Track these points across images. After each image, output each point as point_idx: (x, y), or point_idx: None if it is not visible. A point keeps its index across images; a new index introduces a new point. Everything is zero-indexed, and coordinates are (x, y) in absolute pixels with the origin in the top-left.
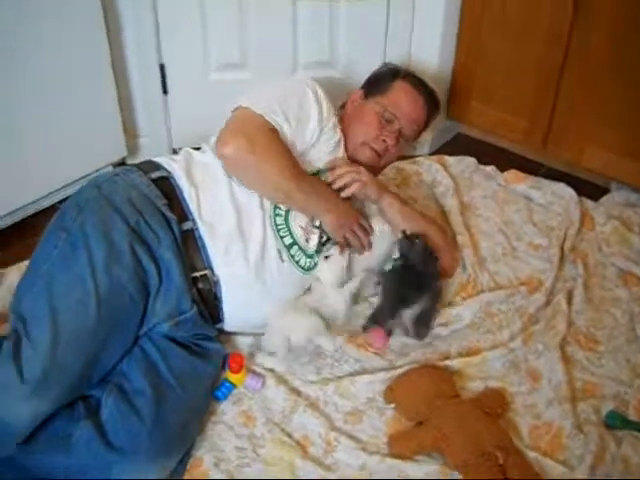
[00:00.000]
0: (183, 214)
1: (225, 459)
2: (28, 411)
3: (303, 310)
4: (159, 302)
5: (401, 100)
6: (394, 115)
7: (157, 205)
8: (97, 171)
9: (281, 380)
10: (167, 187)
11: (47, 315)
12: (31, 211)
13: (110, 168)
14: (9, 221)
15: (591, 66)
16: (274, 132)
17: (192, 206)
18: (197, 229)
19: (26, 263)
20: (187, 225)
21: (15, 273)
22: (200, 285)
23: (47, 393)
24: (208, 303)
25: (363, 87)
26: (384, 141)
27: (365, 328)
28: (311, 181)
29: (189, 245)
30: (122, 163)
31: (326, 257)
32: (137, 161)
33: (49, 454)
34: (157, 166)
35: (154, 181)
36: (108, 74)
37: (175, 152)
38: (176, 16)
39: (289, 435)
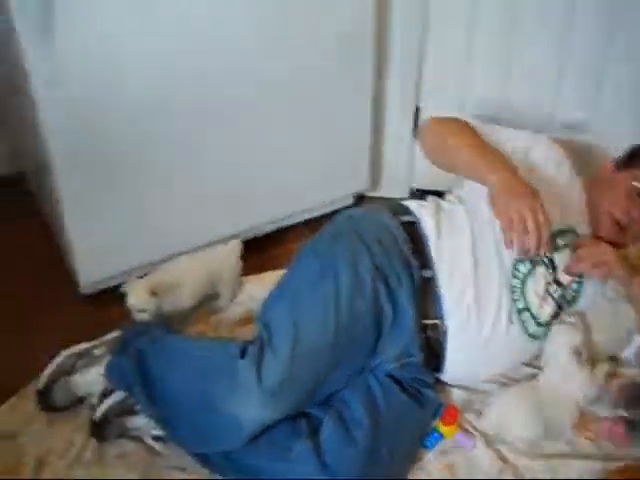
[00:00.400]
0: (425, 261)
1: None
2: (261, 415)
3: (528, 403)
4: (389, 342)
5: None
6: None
7: (403, 249)
8: (336, 200)
9: (491, 444)
10: (414, 232)
11: (290, 329)
12: (272, 227)
13: (350, 198)
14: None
15: None
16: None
17: (435, 255)
18: (436, 278)
19: (266, 274)
20: (427, 273)
21: (254, 282)
22: (429, 333)
23: (279, 403)
24: (433, 351)
25: (617, 160)
26: (629, 213)
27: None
28: (490, 149)
29: (426, 292)
30: (361, 195)
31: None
32: (376, 195)
33: (268, 460)
34: (406, 210)
35: (403, 224)
36: (366, 107)
37: (413, 193)
38: (441, 66)
39: None
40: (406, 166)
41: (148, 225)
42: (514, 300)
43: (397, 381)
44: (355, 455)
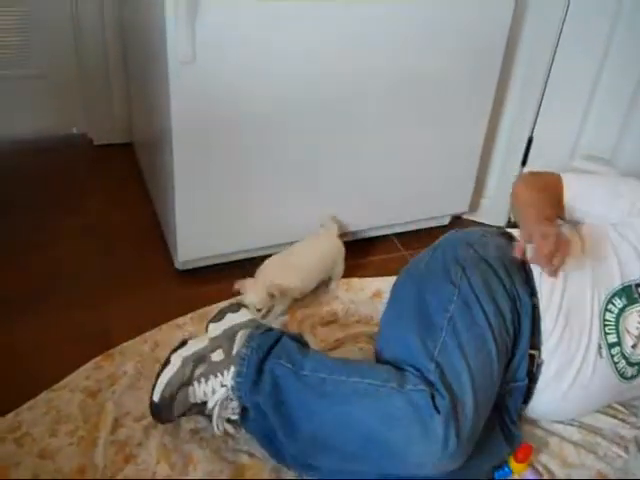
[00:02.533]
0: (531, 289)
1: None
2: (446, 468)
3: None
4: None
5: None
6: None
7: (522, 274)
8: (433, 218)
9: None
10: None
11: (467, 374)
12: (364, 235)
13: (447, 219)
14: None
15: None
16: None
17: (537, 285)
18: (539, 307)
19: (352, 279)
20: (534, 301)
21: (340, 284)
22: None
23: (466, 453)
24: (529, 382)
25: None
26: None
27: None
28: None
29: (533, 320)
30: (458, 217)
31: None
32: (473, 219)
33: None
34: (512, 237)
35: None
36: (482, 131)
37: (510, 223)
38: (561, 99)
39: None
40: (508, 195)
41: (252, 214)
42: (607, 333)
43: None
44: None
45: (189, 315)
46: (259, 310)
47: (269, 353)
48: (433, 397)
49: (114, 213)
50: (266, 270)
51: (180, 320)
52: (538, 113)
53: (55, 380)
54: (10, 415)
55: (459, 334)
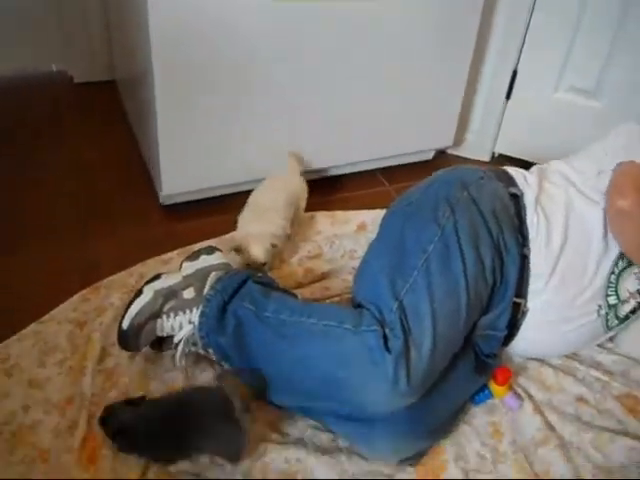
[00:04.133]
0: (523, 239)
1: (464, 458)
2: (393, 407)
3: None
4: (485, 315)
5: None
6: None
7: (515, 223)
8: (417, 152)
9: (539, 410)
10: (517, 207)
11: (429, 318)
12: (345, 170)
13: (431, 153)
14: (322, 174)
15: None
16: None
17: (532, 234)
18: (529, 257)
19: (335, 212)
20: (525, 251)
21: (323, 218)
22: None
23: (415, 396)
24: (510, 330)
25: None
26: None
27: None
28: None
29: (521, 270)
30: (442, 152)
31: None
32: (457, 154)
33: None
34: (512, 181)
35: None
36: (465, 63)
37: (494, 157)
38: (545, 31)
39: (531, 465)
40: (493, 129)
41: (234, 148)
42: (607, 295)
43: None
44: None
45: (176, 251)
46: (264, 264)
47: (234, 295)
48: (386, 337)
49: (97, 150)
50: (249, 227)
51: (166, 255)
52: (523, 45)
53: (43, 313)
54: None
55: (431, 277)
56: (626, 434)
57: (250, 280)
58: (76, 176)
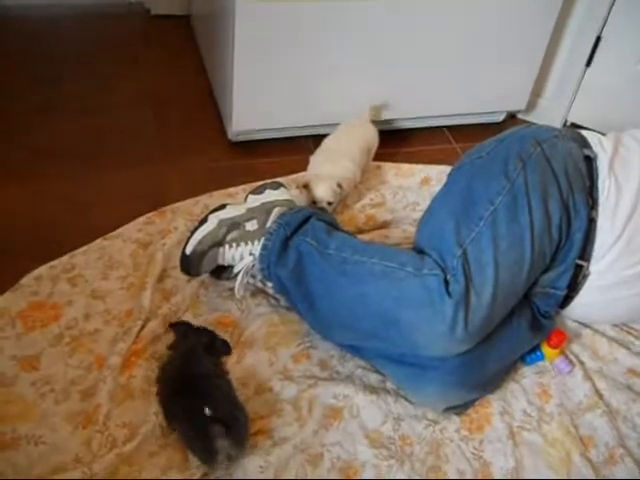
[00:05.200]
0: (593, 202)
1: (510, 414)
2: (449, 352)
3: None
4: (547, 273)
5: None
6: None
7: (586, 184)
8: (488, 113)
9: (588, 377)
10: (589, 169)
11: (492, 268)
12: (415, 124)
13: (502, 116)
14: (393, 126)
15: None
16: None
17: (601, 198)
18: (597, 221)
19: (402, 165)
20: (593, 214)
21: (389, 169)
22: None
23: (473, 343)
24: (569, 291)
25: None
26: None
27: None
28: None
29: (587, 233)
30: (513, 116)
31: None
32: (528, 119)
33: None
34: (587, 143)
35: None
36: (548, 25)
37: (566, 125)
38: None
39: (576, 427)
40: (568, 97)
41: (309, 89)
42: None
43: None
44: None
45: (242, 186)
46: (329, 204)
47: (297, 231)
48: (447, 282)
49: (168, 83)
50: (320, 168)
51: (232, 190)
52: (610, 10)
53: (109, 231)
54: (65, 257)
55: (497, 228)
56: None
57: (313, 217)
58: (148, 106)
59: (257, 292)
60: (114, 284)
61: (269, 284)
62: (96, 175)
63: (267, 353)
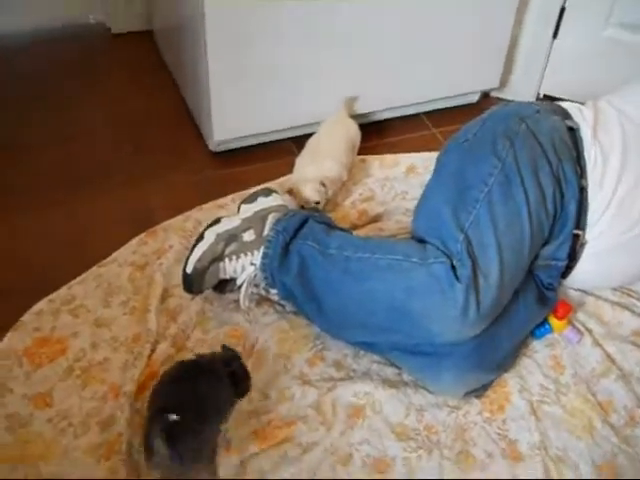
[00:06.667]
0: (582, 171)
1: (528, 390)
2: (464, 336)
3: None
4: (546, 246)
5: None
6: None
7: (573, 155)
8: (462, 95)
9: (598, 343)
10: (574, 139)
11: (495, 248)
12: (393, 114)
13: (476, 96)
14: (370, 118)
15: None
16: None
17: (589, 166)
18: (587, 189)
19: (385, 156)
20: (583, 183)
21: (372, 162)
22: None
23: (484, 324)
24: (569, 260)
25: None
26: None
27: None
28: None
29: (580, 202)
30: (487, 95)
31: None
32: (502, 96)
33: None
34: (568, 115)
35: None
36: (512, 4)
37: (540, 99)
38: None
39: (594, 395)
40: (539, 70)
41: (286, 92)
42: None
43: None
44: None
45: (230, 196)
46: (317, 203)
47: (296, 235)
48: (454, 267)
49: (140, 101)
50: (304, 169)
51: (222, 200)
52: None
53: (100, 259)
54: (63, 289)
55: (494, 208)
56: None
57: (310, 220)
58: (121, 126)
59: (262, 300)
60: (117, 310)
61: (273, 291)
62: (79, 204)
63: (282, 360)
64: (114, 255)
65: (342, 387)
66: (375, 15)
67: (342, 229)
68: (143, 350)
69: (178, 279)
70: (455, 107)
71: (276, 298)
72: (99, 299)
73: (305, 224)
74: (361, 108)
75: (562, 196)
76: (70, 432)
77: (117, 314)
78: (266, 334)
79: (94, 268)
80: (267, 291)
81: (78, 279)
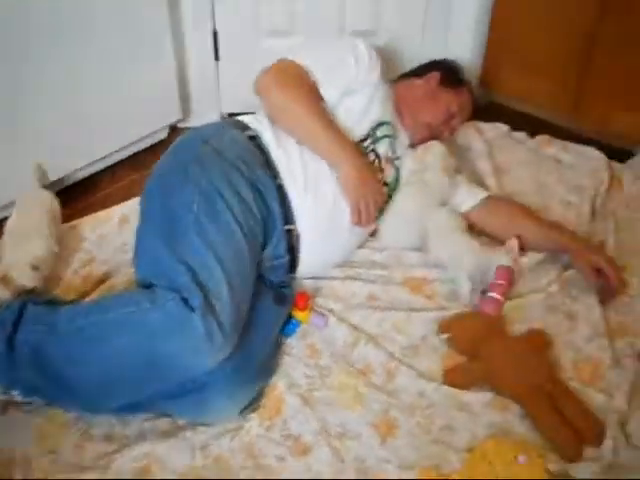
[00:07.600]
0: (274, 171)
1: (296, 385)
2: (221, 360)
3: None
4: (266, 249)
5: (465, 106)
6: (458, 114)
7: (261, 161)
8: (152, 134)
9: (341, 318)
10: (258, 146)
11: (219, 268)
12: (92, 170)
13: (166, 132)
14: (71, 180)
15: (625, 27)
16: (307, 76)
17: (279, 166)
18: (284, 185)
19: (98, 213)
20: (279, 181)
21: (87, 223)
22: (288, 237)
23: (233, 342)
24: (290, 255)
25: (441, 73)
26: (442, 132)
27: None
28: (338, 131)
29: (282, 199)
30: (174, 127)
31: None
32: (189, 125)
33: None
34: (247, 126)
35: (249, 139)
36: (167, 40)
37: (225, 118)
38: None
39: (352, 365)
40: (213, 93)
41: None
42: None
43: (267, 286)
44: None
45: None
46: (34, 288)
47: (16, 326)
48: (186, 300)
49: None
50: (11, 256)
51: None
52: (213, 4)
53: None
54: None
55: (205, 231)
56: (417, 310)
57: (29, 304)
58: None
59: (6, 406)
60: None
61: (14, 392)
62: None
63: (54, 456)
64: None
65: (119, 459)
66: (40, 75)
67: (68, 301)
68: None
69: None
70: (150, 147)
71: (20, 398)
72: None
73: (24, 311)
74: (55, 174)
75: (263, 198)
76: None
77: None
78: (26, 439)
79: None
80: (7, 393)
81: None
